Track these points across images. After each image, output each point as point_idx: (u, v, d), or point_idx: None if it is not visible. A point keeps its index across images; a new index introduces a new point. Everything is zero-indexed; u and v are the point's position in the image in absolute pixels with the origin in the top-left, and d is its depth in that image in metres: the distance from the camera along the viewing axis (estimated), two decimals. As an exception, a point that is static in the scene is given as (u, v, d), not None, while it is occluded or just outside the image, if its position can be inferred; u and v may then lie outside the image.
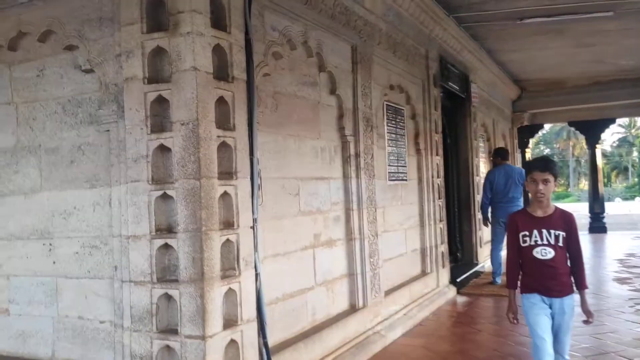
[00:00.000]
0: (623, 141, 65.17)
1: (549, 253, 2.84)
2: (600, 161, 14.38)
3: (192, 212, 2.66)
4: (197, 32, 2.69)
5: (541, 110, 12.46)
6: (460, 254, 8.14)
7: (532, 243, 2.87)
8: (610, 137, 67.90)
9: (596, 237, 13.26)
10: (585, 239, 12.82)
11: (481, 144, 9.42)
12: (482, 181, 8.49)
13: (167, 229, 2.78)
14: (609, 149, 66.75)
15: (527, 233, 2.88)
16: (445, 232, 6.79)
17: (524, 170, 7.09)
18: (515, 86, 11.36)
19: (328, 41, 4.20)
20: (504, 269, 6.99)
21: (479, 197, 8.40)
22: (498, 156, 7.36)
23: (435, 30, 6.49)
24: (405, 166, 5.87)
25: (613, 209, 29.12)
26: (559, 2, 6.32)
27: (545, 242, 2.85)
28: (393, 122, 5.63)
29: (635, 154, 61.05)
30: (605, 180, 60.03)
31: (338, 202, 4.39)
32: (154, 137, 2.76)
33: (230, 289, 2.80)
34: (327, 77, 4.26)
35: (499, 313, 5.64)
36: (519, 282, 3.01)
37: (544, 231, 2.86)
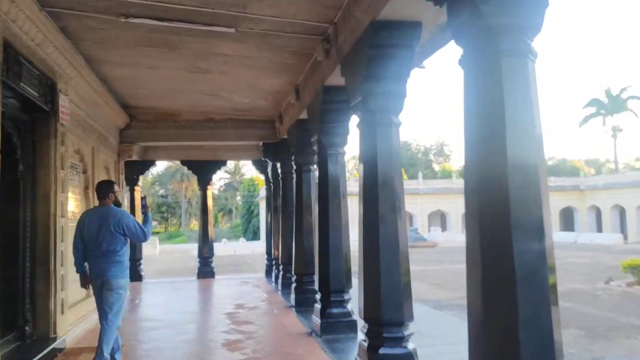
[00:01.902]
0: (229, 186, 71.95)
1: None
2: (210, 203, 14.00)
3: None
4: None
5: (152, 143, 11.16)
6: (29, 327, 5.80)
7: None
8: (218, 181, 74.20)
9: (205, 283, 12.59)
10: (194, 287, 11.96)
11: (75, 176, 7.36)
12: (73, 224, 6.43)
13: None
14: (217, 192, 72.75)
15: None
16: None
17: (126, 214, 5.37)
18: (123, 113, 9.72)
19: None
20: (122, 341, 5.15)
21: (63, 246, 6.28)
22: (96, 193, 5.42)
23: (-7, -3, 4.29)
24: None
25: (220, 249, 30.42)
26: (174, 2, 5.02)
27: None
28: None
29: (238, 197, 67.66)
30: (214, 221, 64.71)
31: None
32: None
33: None
34: None
35: None
36: None
37: None
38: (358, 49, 4.71)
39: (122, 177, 10.48)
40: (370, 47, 4.39)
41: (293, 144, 8.69)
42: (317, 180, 7.05)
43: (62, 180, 6.31)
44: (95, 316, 7.58)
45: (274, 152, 10.68)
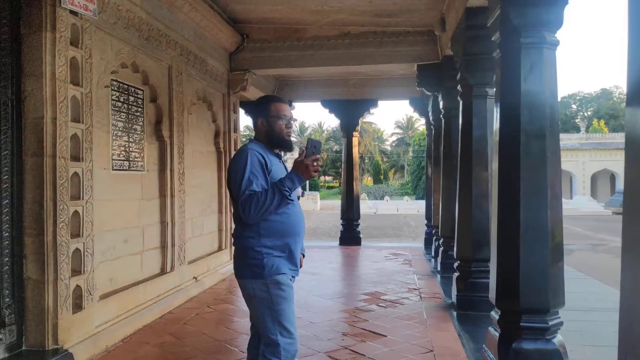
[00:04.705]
0: (401, 141, 68.89)
1: None
2: (356, 153, 11.21)
3: None
4: None
5: (270, 71, 8.36)
6: (9, 333, 3.63)
7: None
8: (390, 136, 71.71)
9: (346, 252, 10.03)
10: (331, 257, 9.45)
11: (128, 105, 5.09)
12: (69, 166, 4.11)
13: None
14: (389, 148, 70.38)
15: None
16: None
17: (239, 153, 2.62)
18: (230, 29, 7.27)
19: None
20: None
21: (82, 206, 4.00)
22: None
23: None
24: None
25: (382, 208, 28.01)
26: None
27: None
28: None
29: (410, 153, 64.49)
30: (382, 177, 62.61)
31: None
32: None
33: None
34: None
35: None
36: None
37: None
38: None
39: (235, 116, 8.15)
40: None
41: (459, 55, 5.42)
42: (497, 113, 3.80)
43: (77, 103, 3.99)
44: (147, 314, 5.23)
45: (434, 77, 7.42)
